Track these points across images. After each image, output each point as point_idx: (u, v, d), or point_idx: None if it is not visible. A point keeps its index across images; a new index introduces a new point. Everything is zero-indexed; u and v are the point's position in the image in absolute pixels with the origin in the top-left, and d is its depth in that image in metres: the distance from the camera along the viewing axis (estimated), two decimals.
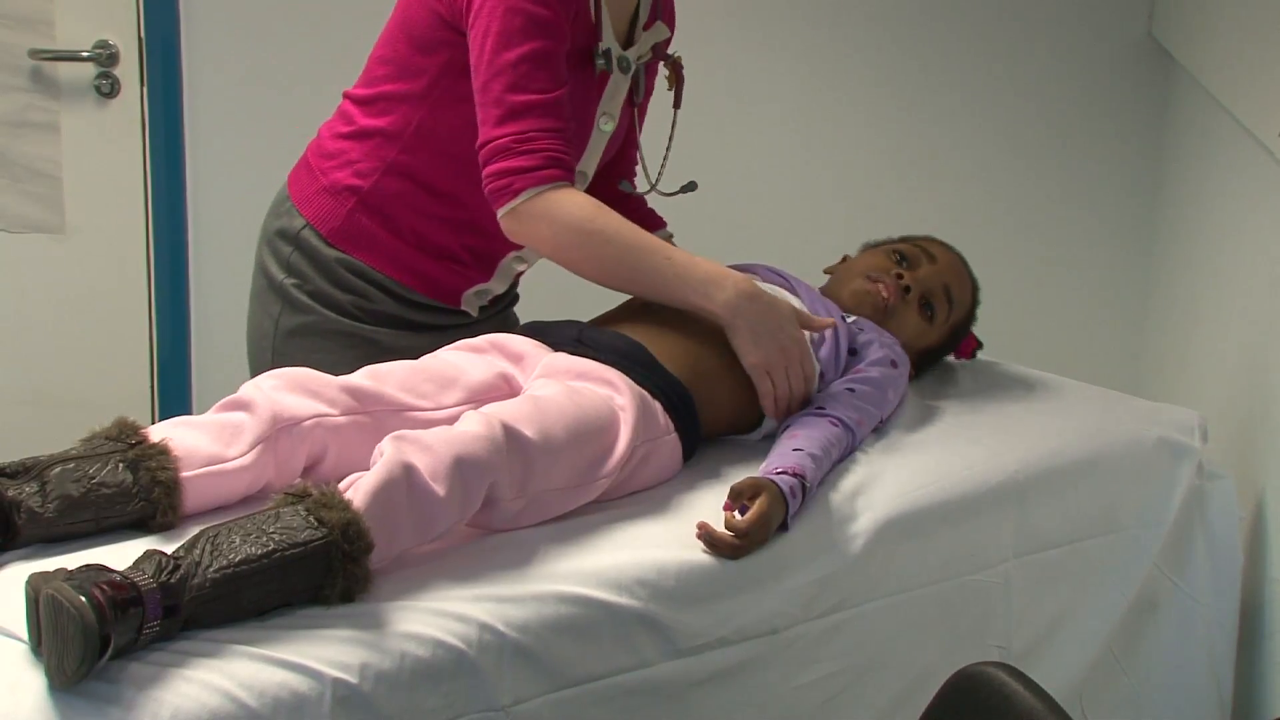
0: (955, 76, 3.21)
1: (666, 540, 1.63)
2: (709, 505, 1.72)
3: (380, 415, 1.69)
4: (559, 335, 1.88)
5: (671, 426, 1.79)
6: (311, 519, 1.40)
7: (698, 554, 1.61)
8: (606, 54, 1.99)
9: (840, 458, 1.85)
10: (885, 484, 1.82)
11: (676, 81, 2.15)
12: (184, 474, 1.56)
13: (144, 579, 1.31)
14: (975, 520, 1.85)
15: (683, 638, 1.57)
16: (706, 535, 1.61)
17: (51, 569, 1.33)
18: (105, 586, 1.27)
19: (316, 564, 1.39)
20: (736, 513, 1.63)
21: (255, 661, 1.33)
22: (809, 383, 1.92)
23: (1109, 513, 1.99)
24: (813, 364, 1.93)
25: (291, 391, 1.66)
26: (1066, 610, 1.95)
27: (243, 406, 1.64)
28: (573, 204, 1.86)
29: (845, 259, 2.28)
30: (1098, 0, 3.19)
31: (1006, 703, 1.30)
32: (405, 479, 1.47)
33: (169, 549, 1.38)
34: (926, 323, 2.18)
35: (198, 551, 1.37)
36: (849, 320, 2.07)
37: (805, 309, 1.99)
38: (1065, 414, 2.12)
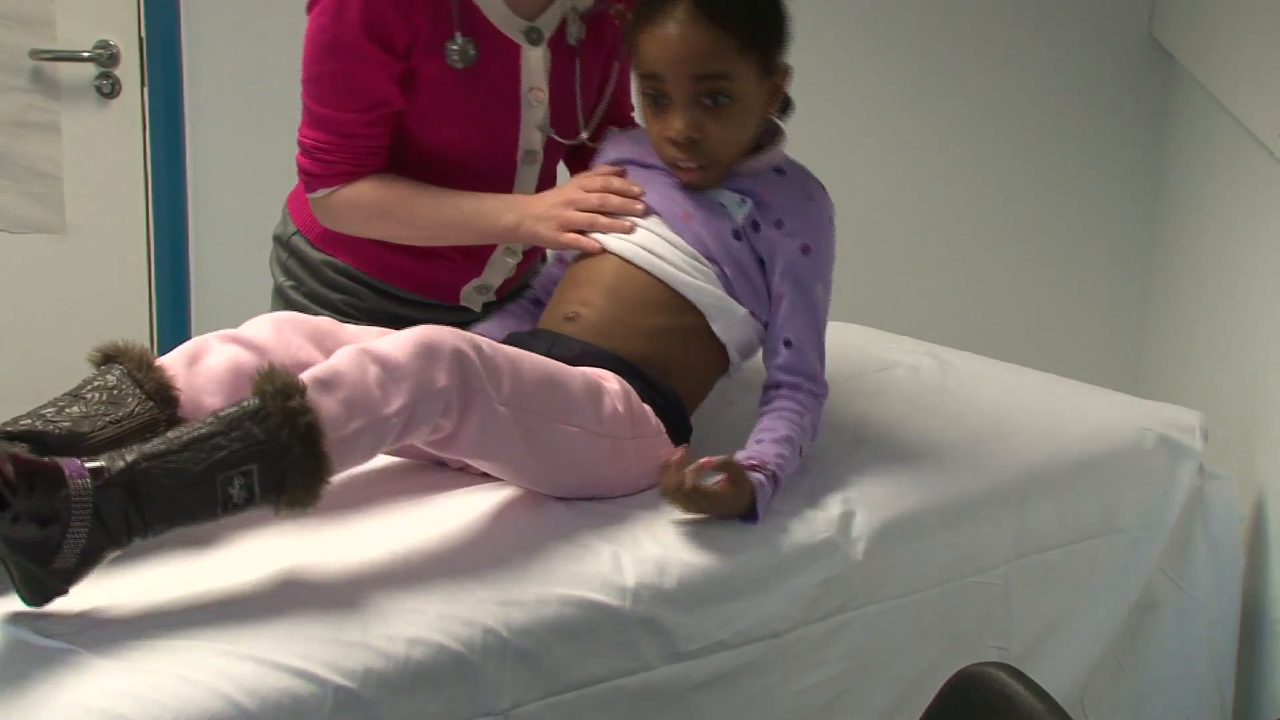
0: (955, 76, 3.21)
1: (667, 543, 1.63)
2: None
3: None
4: (532, 349, 1.89)
5: (662, 428, 1.80)
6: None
7: (699, 557, 1.61)
8: (464, 44, 1.94)
9: (815, 419, 1.84)
10: (885, 486, 1.82)
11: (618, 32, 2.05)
12: None
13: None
14: (975, 522, 1.85)
15: (683, 641, 1.57)
16: (668, 461, 1.63)
17: None
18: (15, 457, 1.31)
19: (255, 415, 1.39)
20: (703, 476, 1.62)
21: (258, 666, 1.33)
22: (622, 184, 1.91)
23: (1109, 513, 1.99)
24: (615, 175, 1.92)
25: (310, 343, 1.68)
26: (1067, 611, 1.95)
27: (257, 350, 1.64)
28: (361, 192, 1.99)
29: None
30: (1098, 0, 3.19)
31: (1007, 703, 1.30)
32: (358, 353, 1.48)
33: None
34: (731, 114, 1.83)
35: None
36: (739, 224, 1.87)
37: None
38: (1065, 414, 2.12)
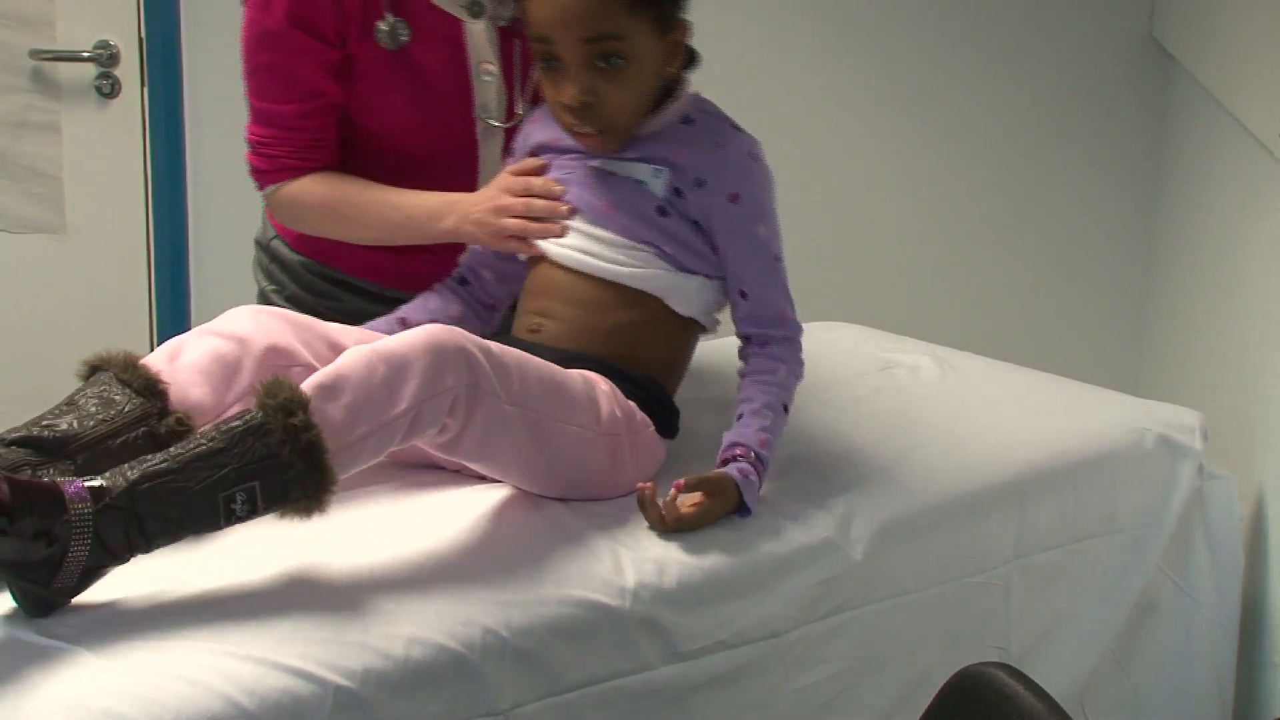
0: (955, 76, 3.21)
1: (667, 543, 1.63)
2: None
3: None
4: None
5: (649, 422, 1.80)
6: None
7: (698, 557, 1.61)
8: (394, 24, 1.93)
9: (793, 366, 1.82)
10: (885, 486, 1.82)
11: None
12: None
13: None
14: (975, 522, 1.85)
15: (683, 641, 1.57)
16: (642, 497, 1.63)
17: None
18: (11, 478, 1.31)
19: (257, 431, 1.39)
20: (682, 496, 1.64)
21: (257, 666, 1.33)
22: (543, 186, 1.86)
23: (1109, 513, 1.99)
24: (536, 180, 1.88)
25: (290, 331, 1.70)
26: (1066, 611, 1.95)
27: (236, 339, 1.66)
28: (307, 190, 1.99)
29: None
30: (1098, 0, 3.19)
31: (1008, 703, 1.30)
32: (366, 355, 1.48)
33: None
34: (626, 75, 1.76)
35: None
36: (661, 198, 1.81)
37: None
38: (1065, 414, 2.12)
